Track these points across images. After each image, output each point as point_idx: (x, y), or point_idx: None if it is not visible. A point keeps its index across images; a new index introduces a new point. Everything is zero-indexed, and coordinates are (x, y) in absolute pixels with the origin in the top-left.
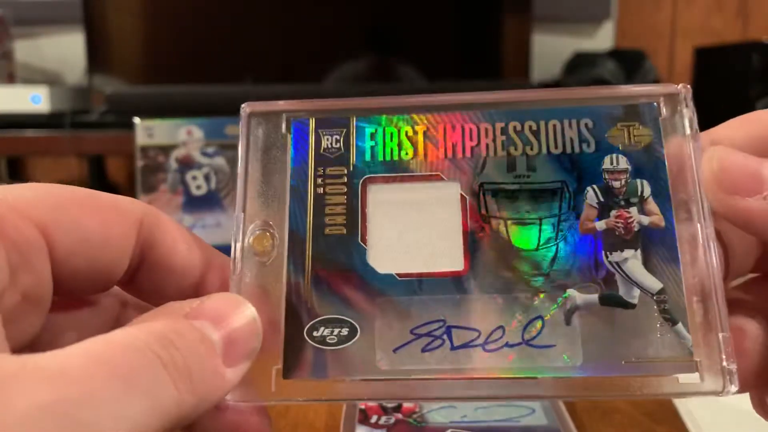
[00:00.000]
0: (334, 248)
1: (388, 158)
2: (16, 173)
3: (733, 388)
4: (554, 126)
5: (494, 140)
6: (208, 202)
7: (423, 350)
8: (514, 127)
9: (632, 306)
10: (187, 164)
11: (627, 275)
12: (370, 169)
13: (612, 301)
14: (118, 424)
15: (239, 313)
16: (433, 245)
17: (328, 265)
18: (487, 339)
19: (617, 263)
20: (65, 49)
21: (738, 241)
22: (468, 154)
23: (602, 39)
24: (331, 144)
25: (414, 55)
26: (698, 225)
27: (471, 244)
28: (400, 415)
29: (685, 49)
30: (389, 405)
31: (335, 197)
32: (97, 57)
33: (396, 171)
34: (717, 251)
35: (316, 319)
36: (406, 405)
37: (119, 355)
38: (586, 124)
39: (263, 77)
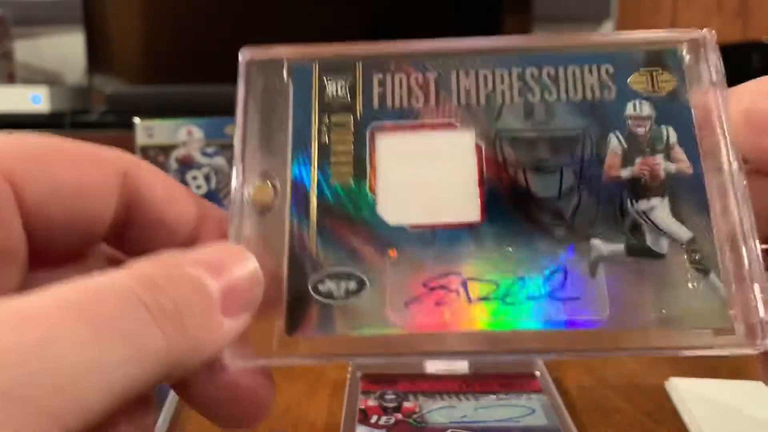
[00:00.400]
0: (340, 199)
1: (397, 105)
2: None
3: None
4: (573, 72)
5: (510, 87)
6: None
7: (437, 304)
8: (531, 73)
9: (661, 256)
10: (187, 164)
11: (655, 224)
12: (378, 116)
13: (639, 251)
14: (86, 370)
15: (239, 263)
16: (447, 195)
17: (335, 216)
18: (507, 291)
19: (644, 212)
20: (65, 49)
21: (759, 206)
22: (483, 101)
23: None
24: (336, 91)
25: None
26: (727, 172)
27: (487, 194)
28: (400, 415)
29: None
30: (389, 405)
31: (341, 146)
32: (97, 57)
33: (406, 119)
34: (749, 200)
35: (322, 273)
36: (406, 405)
37: (93, 298)
38: (606, 70)
39: None
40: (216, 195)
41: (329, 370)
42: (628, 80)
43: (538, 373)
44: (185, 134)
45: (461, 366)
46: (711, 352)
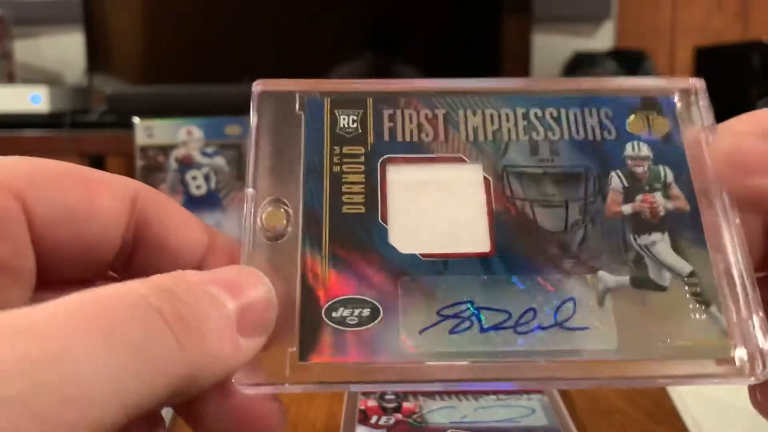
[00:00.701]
0: (352, 227)
1: (407, 139)
2: None
3: None
4: (575, 114)
5: (516, 125)
6: (208, 202)
7: (451, 332)
8: (535, 114)
9: (664, 288)
10: (186, 164)
11: (657, 257)
12: (388, 149)
13: (644, 283)
14: (99, 382)
15: (255, 285)
16: (458, 226)
17: (347, 244)
18: (519, 321)
19: (646, 246)
20: (65, 49)
21: (748, 237)
22: (490, 137)
23: (602, 39)
24: (348, 123)
25: (414, 55)
26: (720, 210)
27: (497, 226)
28: (400, 416)
29: (685, 49)
30: (389, 405)
31: (353, 176)
32: (96, 57)
33: (416, 152)
34: (742, 235)
35: (335, 299)
36: (406, 405)
37: (103, 308)
38: (606, 113)
39: (263, 77)
40: (216, 195)
41: None
42: (626, 122)
43: None
44: (185, 134)
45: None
46: (714, 381)
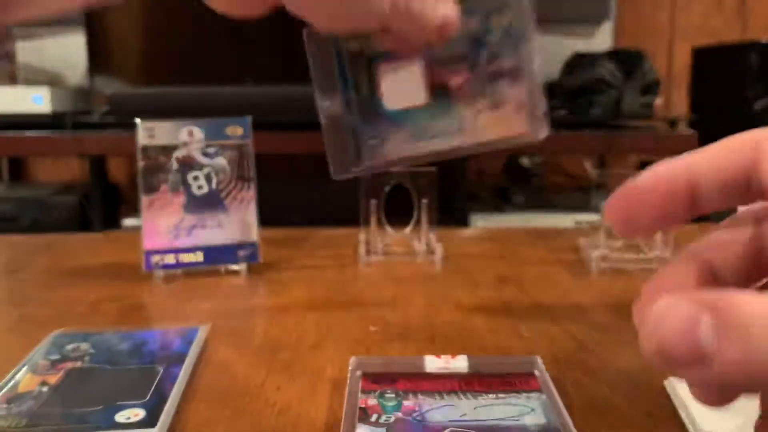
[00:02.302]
0: (365, 100)
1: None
2: (18, 173)
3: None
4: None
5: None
6: (210, 202)
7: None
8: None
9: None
10: (188, 164)
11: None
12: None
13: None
14: None
15: None
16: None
17: (365, 108)
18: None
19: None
20: (67, 51)
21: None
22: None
23: (601, 39)
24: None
25: None
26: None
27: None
28: (400, 414)
29: (684, 50)
30: (389, 404)
31: (361, 75)
32: (98, 58)
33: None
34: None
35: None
36: (406, 404)
37: None
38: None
39: (263, 78)
40: (217, 195)
41: (329, 368)
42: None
43: (537, 373)
44: (186, 135)
45: (461, 365)
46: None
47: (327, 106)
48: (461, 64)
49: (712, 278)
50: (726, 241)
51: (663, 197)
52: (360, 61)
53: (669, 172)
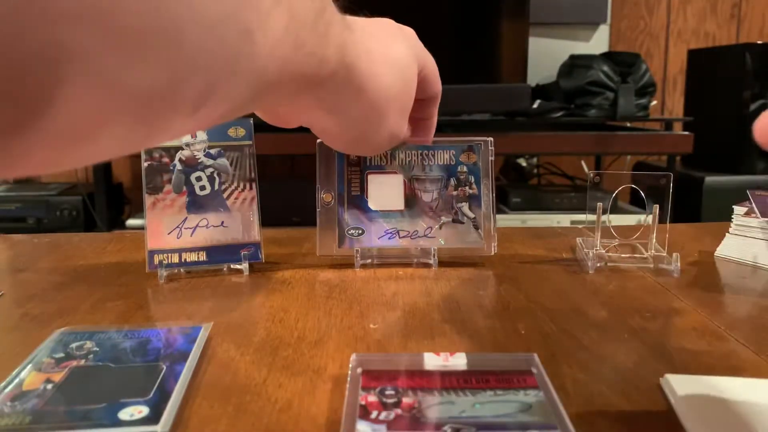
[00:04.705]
0: (356, 199)
1: (376, 164)
2: None
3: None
4: (440, 152)
5: (417, 156)
6: (212, 202)
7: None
8: (423, 153)
9: (463, 223)
10: (191, 165)
11: (462, 212)
12: (369, 168)
13: (456, 221)
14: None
15: None
16: (392, 197)
17: (354, 205)
18: (410, 233)
19: (460, 207)
20: None
21: None
22: (407, 163)
23: (598, 42)
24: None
25: None
26: (485, 191)
27: (406, 199)
28: (399, 411)
29: (679, 52)
30: (389, 401)
31: (355, 179)
32: None
33: (380, 169)
34: (492, 198)
35: (349, 227)
36: (406, 400)
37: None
38: (452, 152)
39: None
40: (220, 195)
41: (330, 366)
42: (459, 157)
43: (534, 370)
44: (189, 136)
45: (460, 362)
46: (471, 247)
47: (324, 197)
48: (434, 184)
49: None
50: None
51: None
52: (356, 169)
53: None
